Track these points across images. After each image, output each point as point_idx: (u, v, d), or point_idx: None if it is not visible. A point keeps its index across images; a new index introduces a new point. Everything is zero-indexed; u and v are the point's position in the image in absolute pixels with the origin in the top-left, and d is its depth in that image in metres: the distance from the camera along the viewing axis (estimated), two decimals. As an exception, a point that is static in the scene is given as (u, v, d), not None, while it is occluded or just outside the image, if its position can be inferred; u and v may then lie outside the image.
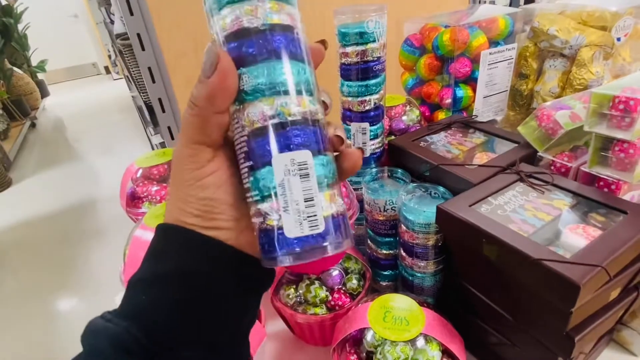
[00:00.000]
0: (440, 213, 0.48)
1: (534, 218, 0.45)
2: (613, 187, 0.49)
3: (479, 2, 1.26)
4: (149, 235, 0.43)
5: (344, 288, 0.58)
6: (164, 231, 0.26)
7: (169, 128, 0.96)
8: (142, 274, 0.25)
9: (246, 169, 0.24)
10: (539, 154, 0.56)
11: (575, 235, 0.41)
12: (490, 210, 0.47)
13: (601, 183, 0.49)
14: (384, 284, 0.66)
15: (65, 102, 4.90)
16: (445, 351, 0.45)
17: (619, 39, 0.66)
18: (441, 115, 0.76)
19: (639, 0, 0.69)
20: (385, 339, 0.44)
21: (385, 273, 0.65)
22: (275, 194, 0.23)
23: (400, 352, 0.44)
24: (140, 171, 0.60)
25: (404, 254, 0.57)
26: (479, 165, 0.54)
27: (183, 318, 0.24)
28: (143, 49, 0.88)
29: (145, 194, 0.59)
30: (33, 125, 4.31)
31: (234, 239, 0.26)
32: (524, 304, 0.44)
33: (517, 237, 0.41)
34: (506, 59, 0.73)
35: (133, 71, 1.35)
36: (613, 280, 0.40)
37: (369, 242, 0.64)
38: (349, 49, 0.55)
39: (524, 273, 0.39)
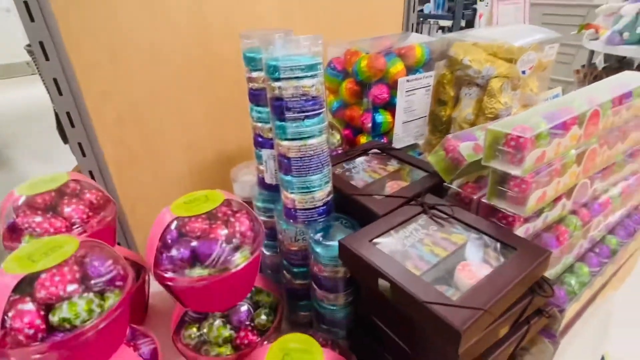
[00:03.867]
0: (342, 248, 0.46)
1: (430, 254, 0.44)
2: (510, 219, 0.50)
3: (412, 28, 1.30)
4: (4, 284, 0.38)
5: (252, 324, 0.55)
6: None
7: (79, 144, 0.88)
8: None
9: None
10: (445, 184, 0.57)
11: (466, 274, 0.41)
12: (389, 244, 0.46)
13: (500, 215, 0.51)
14: (302, 314, 0.64)
15: (-6, 103, 4.45)
16: (344, 394, 0.44)
17: (524, 72, 0.70)
18: (363, 139, 0.76)
19: (542, 35, 0.73)
20: (282, 386, 0.42)
21: (302, 303, 0.63)
22: None
23: (296, 400, 0.41)
24: (23, 199, 0.54)
25: (314, 286, 0.55)
26: (386, 196, 0.54)
27: None
28: (47, 59, 0.80)
29: (26, 225, 0.52)
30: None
31: None
32: (420, 339, 0.44)
33: (409, 276, 0.40)
34: (424, 86, 0.75)
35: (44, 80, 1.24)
36: (500, 319, 0.40)
37: (284, 272, 0.62)
38: (254, 74, 0.52)
39: (415, 313, 0.39)
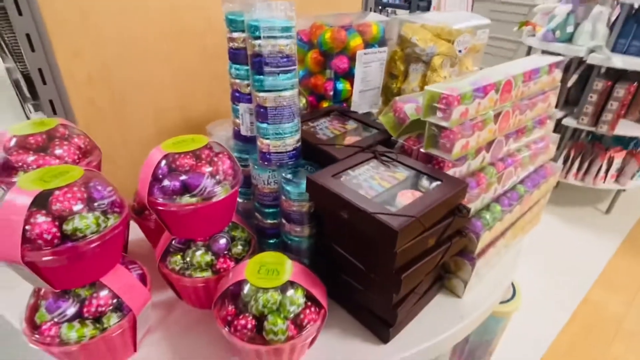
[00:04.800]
0: (309, 182, 0.56)
1: (378, 185, 0.56)
2: (442, 164, 0.63)
3: (370, 10, 1.41)
4: (23, 199, 0.44)
5: (229, 253, 0.64)
6: None
7: (50, 102, 0.90)
8: None
9: None
10: (392, 138, 0.69)
11: (404, 198, 0.53)
12: (348, 179, 0.57)
13: (434, 161, 0.63)
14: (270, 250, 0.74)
15: None
16: (309, 297, 0.54)
17: (460, 51, 0.83)
18: (325, 105, 0.86)
19: (476, 22, 0.87)
20: (259, 288, 0.52)
21: (271, 241, 0.73)
22: None
23: (270, 297, 0.51)
24: (15, 140, 0.58)
25: (284, 221, 0.65)
26: (345, 146, 0.65)
27: None
28: (20, 14, 0.81)
29: (20, 163, 0.57)
30: None
31: None
32: (370, 253, 0.55)
33: (362, 198, 0.51)
34: (379, 60, 0.86)
35: (8, 38, 1.21)
36: (429, 230, 0.53)
37: (256, 213, 0.71)
38: (235, 35, 0.60)
39: (365, 225, 0.50)
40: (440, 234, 0.55)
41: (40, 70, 0.87)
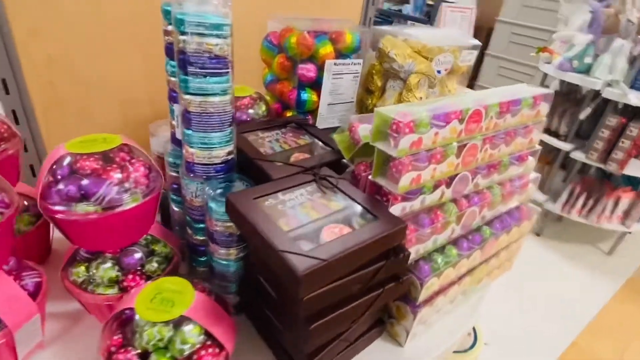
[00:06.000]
0: (227, 202, 0.50)
1: (305, 215, 0.49)
2: (390, 196, 0.55)
3: (370, 20, 1.34)
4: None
5: (142, 270, 0.57)
6: None
7: (3, 80, 0.85)
8: None
9: None
10: (343, 160, 0.62)
11: (328, 234, 0.46)
12: (272, 204, 0.50)
13: (382, 192, 0.56)
14: (200, 269, 0.67)
15: None
16: (209, 336, 0.47)
17: (439, 72, 0.76)
18: (289, 114, 0.80)
19: (464, 41, 0.79)
20: (146, 321, 0.45)
21: (201, 259, 0.66)
22: None
23: (157, 333, 0.44)
24: None
25: (209, 240, 0.58)
26: (285, 163, 0.58)
27: None
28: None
29: None
30: None
31: None
32: (282, 294, 0.48)
33: (276, 230, 0.44)
34: (352, 72, 0.79)
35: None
36: (351, 275, 0.45)
37: (187, 227, 0.64)
38: (170, 27, 0.54)
39: (273, 263, 0.43)
40: (368, 279, 0.48)
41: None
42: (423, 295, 0.57)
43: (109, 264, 0.55)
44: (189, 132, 0.52)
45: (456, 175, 0.60)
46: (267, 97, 0.85)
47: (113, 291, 0.54)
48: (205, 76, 0.49)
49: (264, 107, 0.76)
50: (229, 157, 0.55)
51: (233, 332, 0.50)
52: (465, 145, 0.58)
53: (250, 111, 0.74)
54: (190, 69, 0.48)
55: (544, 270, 2.14)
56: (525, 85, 0.72)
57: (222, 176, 0.56)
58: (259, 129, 0.68)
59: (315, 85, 0.78)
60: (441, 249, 0.62)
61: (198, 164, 0.53)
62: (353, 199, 0.52)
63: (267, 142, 0.65)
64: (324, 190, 0.54)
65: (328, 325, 0.46)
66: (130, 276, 0.55)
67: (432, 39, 0.78)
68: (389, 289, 0.51)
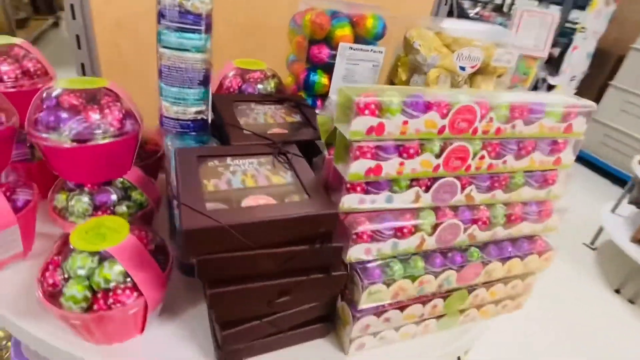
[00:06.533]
0: (174, 156, 0.50)
1: (239, 182, 0.47)
2: (348, 185, 0.50)
3: (446, 3, 1.25)
4: None
5: (111, 209, 0.61)
6: None
7: (77, 36, 0.99)
8: None
9: None
10: (318, 142, 0.58)
11: (249, 201, 0.43)
12: (214, 165, 0.49)
13: (343, 179, 0.51)
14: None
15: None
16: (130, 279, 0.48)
17: (462, 68, 0.67)
18: (301, 94, 0.78)
19: (504, 39, 0.69)
20: (74, 247, 0.48)
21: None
22: None
23: (80, 261, 0.47)
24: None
25: (172, 197, 0.60)
26: (253, 133, 0.57)
27: None
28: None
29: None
30: (56, 24, 4.34)
31: None
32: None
33: (194, 186, 0.43)
34: (371, 60, 0.74)
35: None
36: (259, 250, 0.42)
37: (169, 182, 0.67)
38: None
39: (180, 214, 0.42)
40: (283, 260, 0.44)
41: (72, 5, 0.95)
42: (365, 301, 0.51)
43: (85, 198, 0.60)
44: (161, 84, 0.54)
45: (438, 178, 0.53)
46: (290, 79, 0.85)
47: (82, 222, 0.59)
48: (176, 30, 0.50)
49: (272, 84, 0.75)
50: (199, 116, 0.56)
51: (159, 283, 0.50)
52: (449, 145, 0.51)
53: (259, 86, 0.74)
54: (163, 21, 0.50)
55: (604, 324, 1.78)
56: (562, 94, 0.60)
57: (190, 134, 0.57)
58: (254, 101, 0.68)
59: (329, 68, 0.75)
60: (405, 258, 0.55)
61: (167, 117, 0.55)
62: (299, 178, 0.49)
63: (254, 114, 0.64)
64: (275, 165, 0.51)
65: (234, 296, 0.43)
66: (100, 212, 0.60)
67: (465, 33, 0.69)
68: (315, 280, 0.47)
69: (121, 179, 0.62)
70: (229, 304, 0.44)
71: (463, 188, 0.55)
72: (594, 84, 3.38)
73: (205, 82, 0.55)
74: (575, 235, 2.31)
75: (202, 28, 0.51)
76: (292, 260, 0.44)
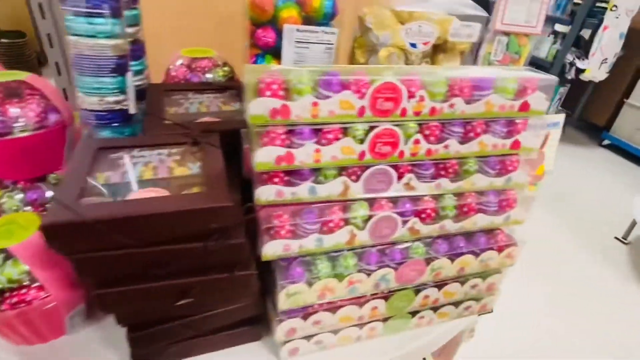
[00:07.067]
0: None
1: (136, 174, 0.44)
2: (265, 176, 0.46)
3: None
4: None
5: (43, 207, 0.59)
6: None
7: (56, 64, 0.99)
8: None
9: None
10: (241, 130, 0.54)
11: (134, 194, 0.40)
12: (115, 157, 0.46)
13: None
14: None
15: None
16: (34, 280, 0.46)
17: (414, 45, 0.60)
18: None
19: (461, 10, 0.62)
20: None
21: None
22: None
23: (-18, 257, 0.45)
24: None
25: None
26: (175, 123, 0.53)
27: None
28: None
29: None
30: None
31: None
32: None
33: (76, 180, 0.40)
34: (324, 42, 0.69)
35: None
36: (146, 249, 0.39)
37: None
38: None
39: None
40: (174, 257, 0.40)
41: (48, 35, 0.95)
42: (285, 302, 0.47)
43: (18, 195, 0.59)
44: (75, 74, 0.51)
45: (367, 167, 0.47)
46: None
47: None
48: (81, 15, 0.47)
49: (221, 73, 0.72)
50: (117, 106, 0.53)
51: (69, 283, 0.48)
52: (373, 129, 0.45)
53: (208, 75, 0.71)
54: (65, 6, 0.47)
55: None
56: (518, 69, 0.53)
57: (112, 126, 0.54)
58: (192, 90, 0.64)
59: (278, 53, 0.70)
60: (335, 256, 0.50)
61: (83, 109, 0.53)
62: (206, 169, 0.45)
63: (188, 103, 0.61)
64: (185, 156, 0.48)
65: (122, 297, 0.40)
66: (29, 208, 0.58)
67: (423, 7, 0.63)
68: (218, 280, 0.43)
69: (55, 175, 0.61)
70: (121, 305, 0.41)
71: (400, 177, 0.49)
72: (628, 67, 3.12)
73: (120, 69, 0.52)
74: (605, 228, 2.12)
75: (107, 12, 0.48)
76: (187, 258, 0.40)
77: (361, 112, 0.44)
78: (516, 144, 0.52)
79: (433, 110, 0.46)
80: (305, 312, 0.50)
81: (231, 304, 0.48)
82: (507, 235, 0.57)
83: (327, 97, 0.42)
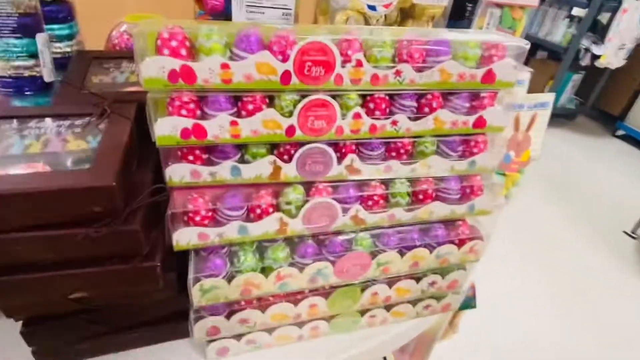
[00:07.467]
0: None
1: (22, 148, 0.38)
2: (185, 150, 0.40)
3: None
4: None
5: None
6: None
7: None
8: None
9: None
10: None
11: (17, 169, 0.34)
12: (8, 127, 0.40)
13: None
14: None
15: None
16: None
17: (372, 8, 0.53)
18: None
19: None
20: None
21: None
22: None
23: None
24: None
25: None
26: (91, 92, 0.47)
27: None
28: None
29: None
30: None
31: None
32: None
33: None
34: (280, 7, 0.61)
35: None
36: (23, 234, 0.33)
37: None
38: None
39: None
40: (46, 246, 0.34)
41: None
42: (200, 298, 0.41)
43: None
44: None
45: (301, 144, 0.41)
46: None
47: None
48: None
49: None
50: (25, 72, 0.47)
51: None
52: (305, 99, 0.38)
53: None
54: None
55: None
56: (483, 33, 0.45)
57: (16, 93, 0.48)
58: (126, 58, 0.57)
59: (230, 19, 0.63)
60: (263, 247, 0.44)
61: (-12, 75, 0.47)
62: (105, 143, 0.39)
63: (117, 72, 0.54)
64: (88, 128, 0.41)
65: (9, 285, 0.35)
66: None
67: (388, -35, 0.55)
68: (113, 272, 0.37)
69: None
70: (4, 296, 0.36)
71: (342, 157, 0.43)
72: (648, 54, 2.94)
73: (27, 31, 0.45)
74: (613, 221, 2.01)
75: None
76: (69, 246, 0.35)
77: (286, 78, 0.37)
78: (481, 122, 0.45)
79: (375, 79, 0.39)
80: (231, 309, 0.44)
81: (140, 299, 0.42)
82: (470, 228, 0.50)
83: (243, 58, 0.36)
